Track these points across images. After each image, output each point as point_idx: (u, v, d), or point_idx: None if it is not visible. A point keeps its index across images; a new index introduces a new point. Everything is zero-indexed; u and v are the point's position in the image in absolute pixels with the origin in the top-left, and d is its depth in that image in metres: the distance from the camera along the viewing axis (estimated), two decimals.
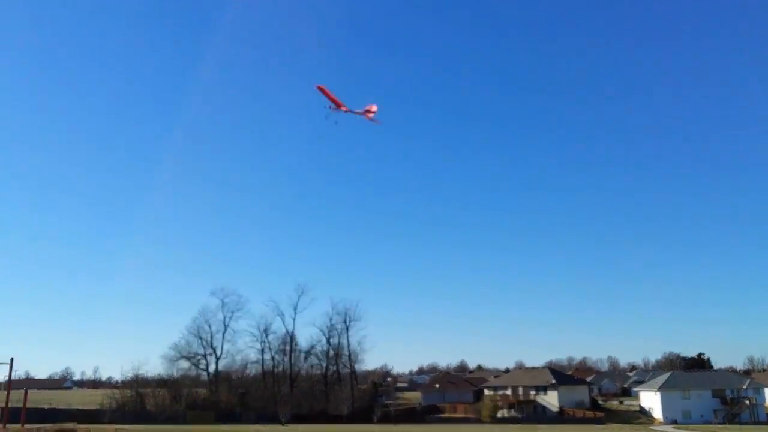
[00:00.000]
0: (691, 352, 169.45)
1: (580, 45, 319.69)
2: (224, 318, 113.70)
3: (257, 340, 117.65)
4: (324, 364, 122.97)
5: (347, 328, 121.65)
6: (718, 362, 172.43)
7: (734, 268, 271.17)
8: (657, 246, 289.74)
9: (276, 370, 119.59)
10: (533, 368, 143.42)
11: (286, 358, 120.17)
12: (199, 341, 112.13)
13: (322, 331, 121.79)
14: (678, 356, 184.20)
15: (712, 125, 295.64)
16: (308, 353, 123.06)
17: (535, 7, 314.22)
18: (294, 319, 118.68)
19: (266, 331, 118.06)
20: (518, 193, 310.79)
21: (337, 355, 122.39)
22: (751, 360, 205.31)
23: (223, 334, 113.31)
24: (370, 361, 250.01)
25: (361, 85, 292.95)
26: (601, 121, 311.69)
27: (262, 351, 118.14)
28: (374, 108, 51.32)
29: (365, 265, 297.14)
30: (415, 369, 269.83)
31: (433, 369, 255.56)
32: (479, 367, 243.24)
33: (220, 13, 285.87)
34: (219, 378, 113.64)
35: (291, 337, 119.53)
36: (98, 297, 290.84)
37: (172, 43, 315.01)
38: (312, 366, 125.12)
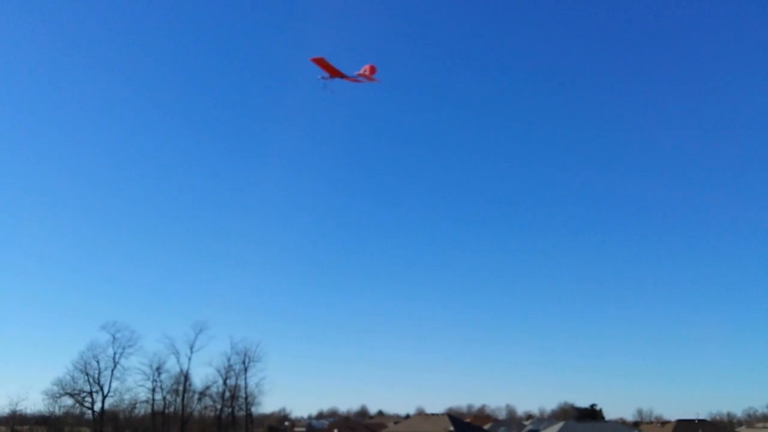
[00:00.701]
0: (585, 402, 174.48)
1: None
2: (114, 354, 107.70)
3: (148, 378, 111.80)
4: (219, 406, 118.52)
5: (246, 369, 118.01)
6: (610, 413, 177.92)
7: (630, 318, 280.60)
8: (554, 296, 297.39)
9: (167, 410, 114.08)
10: (433, 415, 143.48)
11: (179, 399, 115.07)
12: (86, 377, 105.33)
13: (219, 371, 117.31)
14: (572, 406, 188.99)
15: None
16: (202, 394, 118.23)
17: None
18: (190, 358, 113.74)
19: (159, 370, 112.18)
20: (416, 243, 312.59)
21: (233, 397, 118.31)
22: (640, 412, 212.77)
23: (112, 371, 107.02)
24: (267, 404, 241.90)
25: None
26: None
27: (153, 390, 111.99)
28: (369, 67, 46.80)
29: (268, 305, 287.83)
30: (314, 413, 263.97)
31: (333, 413, 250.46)
32: (380, 413, 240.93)
33: None
34: (105, 417, 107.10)
35: (185, 377, 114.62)
36: None
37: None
38: (206, 407, 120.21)
